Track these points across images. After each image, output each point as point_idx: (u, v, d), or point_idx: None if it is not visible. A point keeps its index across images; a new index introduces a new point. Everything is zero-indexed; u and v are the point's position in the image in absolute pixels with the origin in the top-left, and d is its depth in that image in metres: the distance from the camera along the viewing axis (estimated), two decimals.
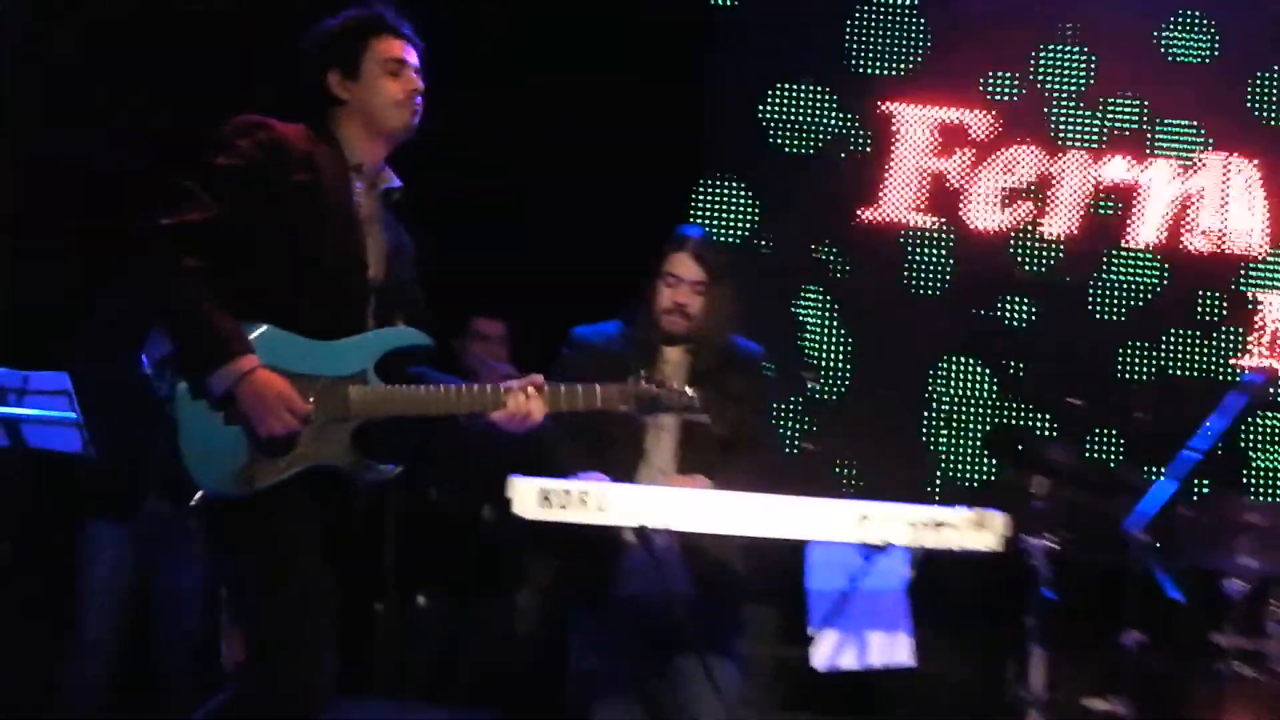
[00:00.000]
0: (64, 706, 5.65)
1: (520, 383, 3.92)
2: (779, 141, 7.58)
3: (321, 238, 3.86)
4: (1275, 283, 7.43)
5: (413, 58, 4.04)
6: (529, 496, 4.17)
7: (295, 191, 3.84)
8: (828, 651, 4.77)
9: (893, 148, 7.54)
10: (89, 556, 5.75)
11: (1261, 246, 7.44)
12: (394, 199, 4.06)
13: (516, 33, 6.88)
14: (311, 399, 3.76)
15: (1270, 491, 6.86)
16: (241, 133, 3.87)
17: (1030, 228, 7.51)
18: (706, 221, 7.40)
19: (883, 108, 7.55)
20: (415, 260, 4.15)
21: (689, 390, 4.12)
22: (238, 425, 3.73)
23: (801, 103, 7.58)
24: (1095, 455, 7.20)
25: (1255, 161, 7.46)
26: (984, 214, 7.52)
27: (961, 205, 7.52)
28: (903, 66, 7.57)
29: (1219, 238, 7.45)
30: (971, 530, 4.26)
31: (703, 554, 4.60)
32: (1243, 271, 7.45)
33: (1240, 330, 7.43)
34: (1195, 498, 5.93)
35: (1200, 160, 7.46)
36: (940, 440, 7.49)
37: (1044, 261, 7.54)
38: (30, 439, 5.44)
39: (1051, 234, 7.50)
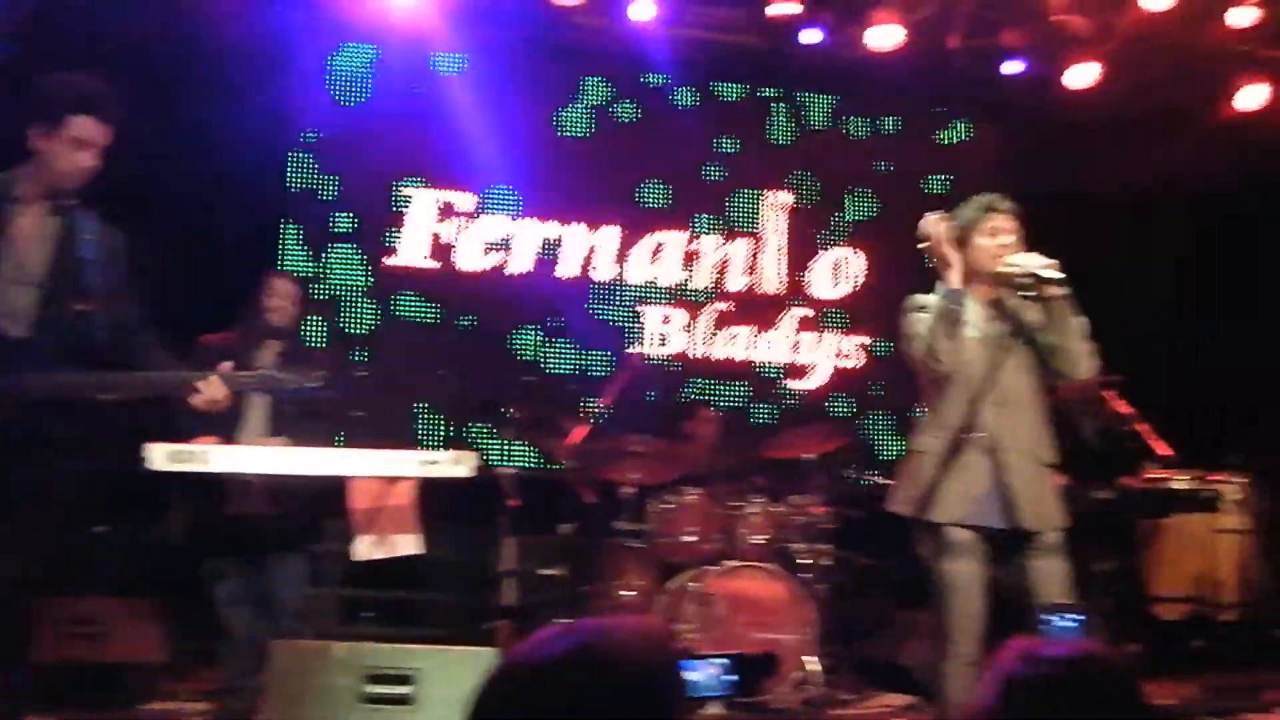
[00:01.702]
0: None
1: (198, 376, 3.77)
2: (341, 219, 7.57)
3: None
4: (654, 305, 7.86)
5: (98, 135, 3.63)
6: (161, 455, 3.98)
7: None
8: (365, 548, 4.88)
9: (407, 216, 7.63)
10: None
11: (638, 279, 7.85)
12: (67, 213, 3.67)
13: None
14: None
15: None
16: None
17: (503, 269, 7.68)
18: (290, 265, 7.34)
19: (405, 190, 7.64)
20: (117, 262, 3.77)
21: (313, 373, 4.03)
22: None
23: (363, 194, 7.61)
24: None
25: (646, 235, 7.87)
26: (469, 259, 7.70)
27: (452, 254, 7.68)
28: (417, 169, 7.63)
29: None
30: (454, 464, 4.20)
31: (283, 486, 4.69)
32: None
33: (633, 329, 7.84)
34: (599, 432, 6.12)
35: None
36: (435, 407, 7.49)
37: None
38: None
39: (515, 271, 7.69)
